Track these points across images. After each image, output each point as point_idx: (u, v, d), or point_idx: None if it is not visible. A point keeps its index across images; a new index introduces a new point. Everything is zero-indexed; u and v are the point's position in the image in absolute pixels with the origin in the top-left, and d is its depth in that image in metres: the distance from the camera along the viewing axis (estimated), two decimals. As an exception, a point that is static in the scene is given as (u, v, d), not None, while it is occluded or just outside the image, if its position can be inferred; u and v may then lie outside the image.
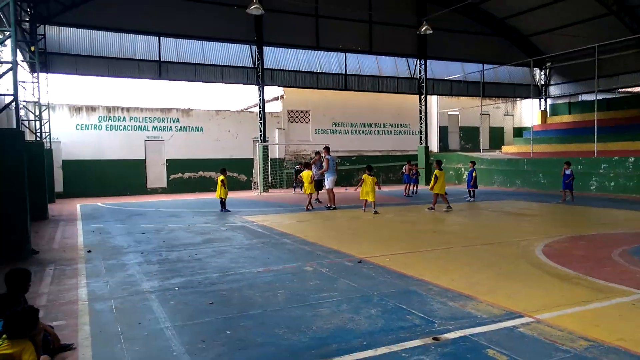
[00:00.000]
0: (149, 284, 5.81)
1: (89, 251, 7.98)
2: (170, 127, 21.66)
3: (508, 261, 6.62)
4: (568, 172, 15.01)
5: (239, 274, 6.18)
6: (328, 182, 13.51)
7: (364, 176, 11.61)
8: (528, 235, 8.75)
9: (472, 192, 15.99)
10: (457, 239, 8.45)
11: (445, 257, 6.95)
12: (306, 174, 12.73)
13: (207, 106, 23.64)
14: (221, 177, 13.39)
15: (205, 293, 5.38)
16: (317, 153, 15.62)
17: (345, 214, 12.60)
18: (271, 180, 22.24)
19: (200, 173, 22.18)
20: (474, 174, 15.67)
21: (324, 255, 7.29)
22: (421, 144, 25.55)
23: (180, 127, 21.83)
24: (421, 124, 25.49)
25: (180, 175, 21.86)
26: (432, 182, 12.47)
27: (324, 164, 13.73)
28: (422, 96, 25.22)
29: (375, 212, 10.90)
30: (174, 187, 21.71)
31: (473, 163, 16.20)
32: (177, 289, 5.59)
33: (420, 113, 25.43)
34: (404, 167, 19.27)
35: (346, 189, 21.82)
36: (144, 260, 7.23)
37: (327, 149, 15.53)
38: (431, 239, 8.52)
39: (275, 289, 5.41)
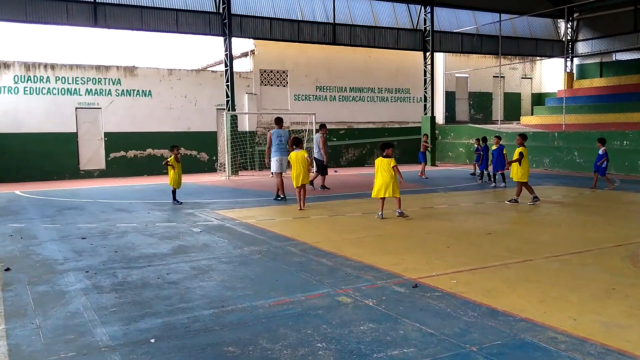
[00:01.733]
0: (106, 332, 4.44)
1: (7, 269, 6.51)
2: (109, 90, 20.02)
3: (631, 282, 5.55)
4: (601, 152, 14.12)
5: (243, 311, 4.88)
6: (272, 164, 12.41)
7: (377, 161, 9.61)
8: (617, 236, 7.77)
9: (497, 176, 15.04)
10: (527, 245, 7.41)
11: (533, 276, 5.83)
12: (298, 156, 10.54)
13: (157, 63, 21.97)
14: (171, 159, 12.02)
15: (201, 350, 4.05)
16: (323, 127, 14.80)
17: (350, 206, 11.49)
18: (241, 159, 20.87)
19: (149, 151, 20.73)
20: (504, 153, 14.63)
21: (355, 274, 6.05)
22: (425, 114, 24.63)
23: (123, 90, 20.28)
24: (426, 88, 24.55)
25: (122, 153, 20.46)
26: (515, 167, 11.18)
27: (267, 138, 12.58)
28: (428, 53, 24.14)
29: (401, 214, 9.50)
30: (115, 169, 20.19)
31: (499, 138, 15.16)
32: (153, 341, 4.25)
33: (425, 74, 24.43)
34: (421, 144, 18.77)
35: (335, 171, 20.75)
36: (92, 284, 5.83)
37: (323, 126, 14.83)
38: (493, 245, 7.46)
39: (309, 341, 4.14)
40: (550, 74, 30.63)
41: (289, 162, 11.22)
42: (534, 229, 8.64)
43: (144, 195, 14.08)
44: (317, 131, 15.34)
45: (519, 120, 28.32)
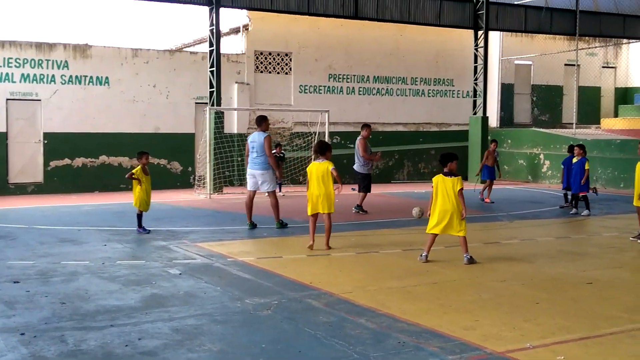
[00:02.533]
0: None
1: None
2: (53, 76, 19.73)
3: None
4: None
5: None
6: (266, 181, 12.06)
7: (436, 180, 8.97)
8: None
9: (581, 198, 14.48)
10: None
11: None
12: (318, 170, 9.70)
13: (118, 41, 21.64)
14: (137, 170, 11.63)
15: None
16: (366, 127, 14.84)
17: (382, 238, 11.02)
18: (228, 172, 20.46)
19: (104, 159, 20.46)
20: (586, 168, 14.13)
21: (412, 342, 5.54)
22: (475, 113, 24.27)
23: (70, 77, 19.96)
24: (476, 78, 24.20)
25: (67, 161, 20.12)
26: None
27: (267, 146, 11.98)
28: (480, 32, 23.84)
29: (471, 261, 8.90)
30: (56, 182, 19.87)
31: (581, 148, 14.66)
32: None
33: (477, 60, 24.08)
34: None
35: (353, 189, 20.28)
36: (30, 354, 5.34)
37: (365, 126, 15.06)
38: (601, 301, 7.00)
39: None
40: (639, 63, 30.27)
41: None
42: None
43: (97, 220, 13.65)
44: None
45: (599, 123, 27.92)
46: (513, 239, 11.19)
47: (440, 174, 9.03)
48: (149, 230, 11.72)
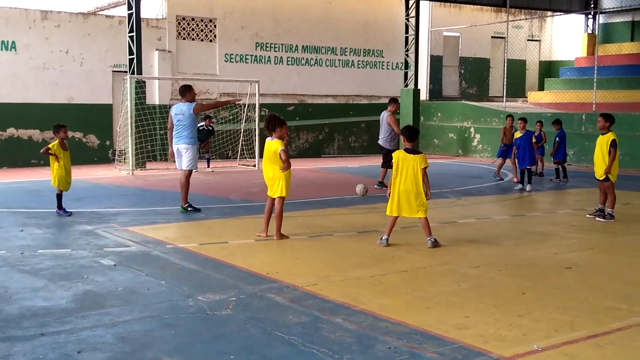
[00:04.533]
0: None
1: None
2: (-49, 40, 17.88)
3: None
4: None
5: None
6: (188, 158, 10.99)
7: (397, 156, 8.26)
8: None
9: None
10: None
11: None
12: (269, 149, 8.63)
13: (24, 2, 19.95)
14: (53, 144, 10.52)
15: None
16: (393, 101, 14.53)
17: (331, 219, 10.32)
18: (150, 147, 19.26)
19: (12, 131, 19.04)
20: (533, 141, 14.26)
21: (404, 347, 4.85)
22: (406, 86, 23.84)
23: None
24: (407, 49, 23.73)
25: None
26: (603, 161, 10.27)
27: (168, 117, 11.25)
28: (412, 1, 23.35)
29: (435, 244, 8.24)
30: None
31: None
32: None
33: (408, 31, 23.59)
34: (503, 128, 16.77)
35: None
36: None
37: (393, 100, 14.70)
38: (591, 289, 6.52)
39: None
40: (563, 36, 30.63)
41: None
42: (631, 260, 7.73)
43: (9, 200, 12.37)
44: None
45: (525, 96, 28.11)
46: (468, 217, 10.66)
47: (402, 150, 8.35)
48: (71, 212, 10.57)
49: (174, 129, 10.97)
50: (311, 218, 10.54)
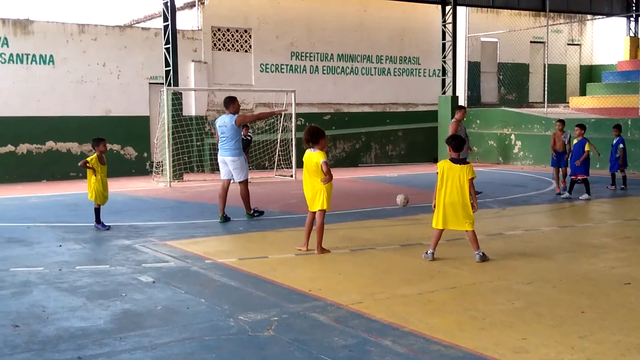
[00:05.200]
0: None
1: None
2: (-10, 55, 18.35)
3: None
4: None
5: None
6: (237, 169, 11.20)
7: (442, 165, 7.97)
8: None
9: (580, 181, 13.90)
10: None
11: None
12: (310, 161, 8.32)
13: (63, 16, 20.19)
14: (92, 158, 10.45)
15: None
16: (459, 108, 14.43)
17: (372, 231, 10.03)
18: (187, 158, 19.28)
19: (51, 145, 19.31)
20: (586, 149, 13.39)
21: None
22: (444, 93, 23.51)
23: (11, 55, 18.73)
24: (445, 56, 23.38)
25: (10, 148, 18.97)
26: None
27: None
28: (448, 7, 23.04)
29: (483, 258, 7.91)
30: None
31: (582, 128, 13.99)
32: None
33: (445, 37, 23.26)
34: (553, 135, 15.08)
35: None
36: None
37: (459, 108, 14.65)
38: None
39: None
40: (604, 40, 30.00)
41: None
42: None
43: (48, 214, 12.33)
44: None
45: (566, 101, 27.51)
46: (516, 229, 10.29)
47: (447, 160, 8.03)
48: (109, 227, 10.46)
49: (219, 141, 11.15)
50: (352, 230, 10.26)
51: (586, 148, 13.29)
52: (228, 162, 11.06)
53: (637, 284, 6.83)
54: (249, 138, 18.44)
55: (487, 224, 10.60)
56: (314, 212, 8.43)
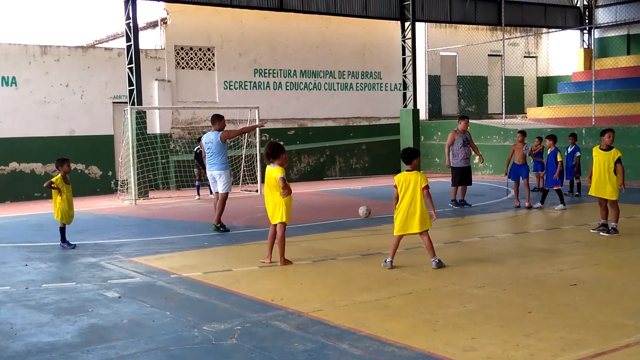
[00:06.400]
0: None
1: None
2: (-48, 77, 17.97)
3: None
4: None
5: None
6: (222, 182, 11.76)
7: (400, 178, 8.24)
8: None
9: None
10: None
11: None
12: (270, 176, 8.55)
13: (23, 38, 20.08)
14: (56, 178, 10.57)
15: None
16: (461, 119, 14.74)
17: (334, 242, 10.28)
18: (152, 176, 19.27)
19: (14, 166, 19.02)
20: (559, 160, 13.60)
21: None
22: (405, 106, 23.88)
23: None
24: (405, 71, 23.79)
25: None
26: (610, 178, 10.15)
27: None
28: (407, 23, 23.44)
29: (439, 264, 8.19)
30: None
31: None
32: None
33: (404, 52, 23.68)
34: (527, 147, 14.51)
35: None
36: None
37: (463, 118, 14.87)
38: (598, 306, 6.47)
39: None
40: (559, 52, 30.77)
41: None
42: (638, 275, 7.68)
43: (12, 235, 12.35)
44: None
45: (524, 112, 28.14)
46: (472, 236, 10.66)
47: (404, 171, 8.35)
48: (74, 245, 10.56)
49: (206, 157, 11.83)
50: (315, 242, 10.51)
51: (558, 158, 13.52)
52: (215, 176, 11.62)
53: (582, 285, 7.19)
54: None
55: (445, 233, 10.96)
56: (275, 225, 8.67)
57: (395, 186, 8.28)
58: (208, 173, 11.85)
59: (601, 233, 10.20)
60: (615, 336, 5.44)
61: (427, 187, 8.14)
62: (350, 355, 5.20)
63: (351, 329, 5.87)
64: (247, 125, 12.26)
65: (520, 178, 14.03)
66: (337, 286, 7.54)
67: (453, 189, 14.41)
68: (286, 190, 8.45)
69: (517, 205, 13.77)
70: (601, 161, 10.14)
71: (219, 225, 11.59)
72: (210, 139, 11.63)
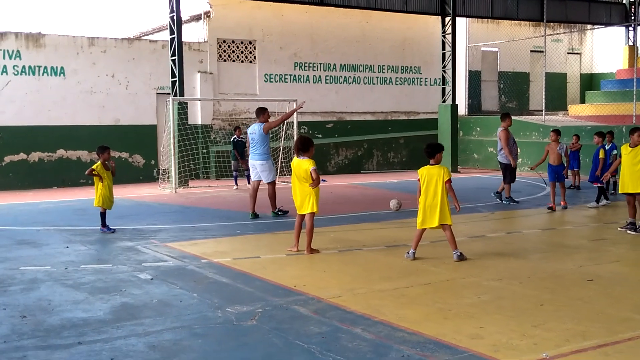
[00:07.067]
0: None
1: None
2: (5, 67, 18.89)
3: None
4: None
5: None
6: (265, 171, 12.44)
7: (423, 171, 8.50)
8: None
9: (606, 187, 14.01)
10: None
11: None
12: (299, 168, 8.93)
13: (73, 30, 20.75)
14: (97, 165, 11.02)
15: None
16: (505, 116, 14.43)
17: (363, 233, 10.52)
18: (192, 165, 19.77)
19: (61, 153, 19.70)
20: (614, 154, 13.42)
21: (417, 355, 5.06)
22: (444, 101, 23.94)
23: (23, 67, 19.12)
24: (445, 66, 23.82)
25: (22, 156, 19.33)
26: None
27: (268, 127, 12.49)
28: (448, 18, 23.47)
29: (461, 257, 8.38)
30: (11, 178, 19.10)
31: (611, 135, 14.42)
32: None
33: (444, 47, 23.71)
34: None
35: (324, 180, 19.79)
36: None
37: (505, 115, 14.55)
38: (609, 300, 6.60)
39: None
40: (604, 49, 30.38)
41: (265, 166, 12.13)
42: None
43: (56, 219, 12.89)
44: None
45: (566, 109, 27.89)
46: (499, 231, 10.79)
47: (427, 166, 8.56)
48: (114, 230, 11.03)
49: (250, 147, 12.56)
50: (344, 233, 10.78)
51: (600, 155, 13.48)
52: (257, 166, 12.29)
53: (599, 281, 7.31)
54: (242, 140, 17.96)
55: (473, 227, 11.10)
56: (303, 215, 8.97)
57: (419, 179, 8.50)
58: (250, 162, 12.47)
59: (628, 231, 10.23)
60: (620, 329, 5.59)
61: (449, 180, 8.33)
62: (362, 339, 5.46)
63: (366, 314, 6.13)
64: (285, 113, 12.66)
65: (557, 179, 13.03)
66: (359, 275, 7.80)
67: (507, 187, 14.19)
68: (317, 181, 8.76)
69: (550, 207, 12.87)
70: (630, 158, 10.18)
71: (277, 210, 12.45)
72: (254, 130, 12.32)
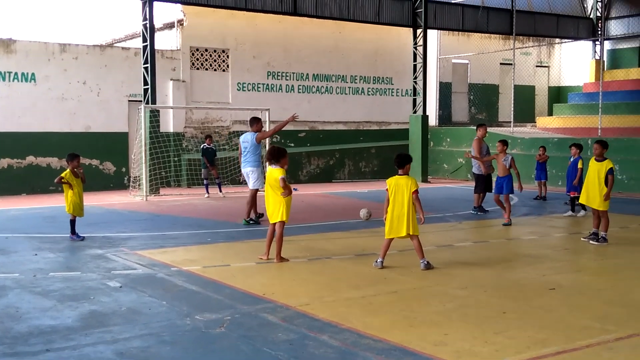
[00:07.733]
0: None
1: None
2: (-27, 72, 18.51)
3: None
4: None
5: None
6: (253, 178, 12.76)
7: (391, 182, 8.60)
8: None
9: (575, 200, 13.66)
10: (620, 307, 6.77)
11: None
12: (270, 177, 8.99)
13: (43, 36, 20.61)
14: (66, 173, 11.04)
15: None
16: (480, 126, 14.63)
17: (332, 242, 10.61)
18: (164, 173, 19.71)
19: (31, 159, 19.52)
20: (579, 166, 13.60)
21: (384, 362, 5.11)
22: (415, 112, 24.17)
23: None
24: (416, 77, 24.10)
25: None
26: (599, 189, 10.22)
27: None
28: (419, 30, 23.75)
29: (428, 266, 8.51)
30: None
31: (579, 148, 14.30)
32: None
33: (416, 59, 23.98)
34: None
35: (295, 189, 19.84)
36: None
37: (480, 126, 14.73)
38: (570, 308, 6.75)
39: None
40: (571, 62, 30.94)
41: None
42: (615, 282, 7.96)
43: (25, 226, 12.80)
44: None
45: (534, 121, 28.34)
46: (466, 241, 10.96)
47: (396, 176, 8.68)
48: (83, 237, 10.98)
49: (242, 155, 12.80)
50: (313, 242, 10.85)
51: (579, 166, 13.57)
52: (248, 172, 12.67)
53: (560, 290, 7.48)
54: (212, 148, 18.46)
55: (440, 236, 11.27)
56: (274, 224, 9.04)
57: (387, 189, 8.63)
58: (242, 170, 12.82)
59: (591, 242, 10.45)
60: (579, 337, 5.74)
61: (416, 191, 8.46)
62: (328, 346, 5.55)
63: (333, 322, 6.22)
64: (279, 123, 12.83)
65: (502, 191, 12.61)
66: (328, 283, 7.89)
67: (476, 196, 14.38)
68: (286, 191, 8.83)
69: (506, 223, 12.47)
70: (594, 171, 10.40)
71: (248, 219, 12.53)
72: (247, 139, 12.67)
